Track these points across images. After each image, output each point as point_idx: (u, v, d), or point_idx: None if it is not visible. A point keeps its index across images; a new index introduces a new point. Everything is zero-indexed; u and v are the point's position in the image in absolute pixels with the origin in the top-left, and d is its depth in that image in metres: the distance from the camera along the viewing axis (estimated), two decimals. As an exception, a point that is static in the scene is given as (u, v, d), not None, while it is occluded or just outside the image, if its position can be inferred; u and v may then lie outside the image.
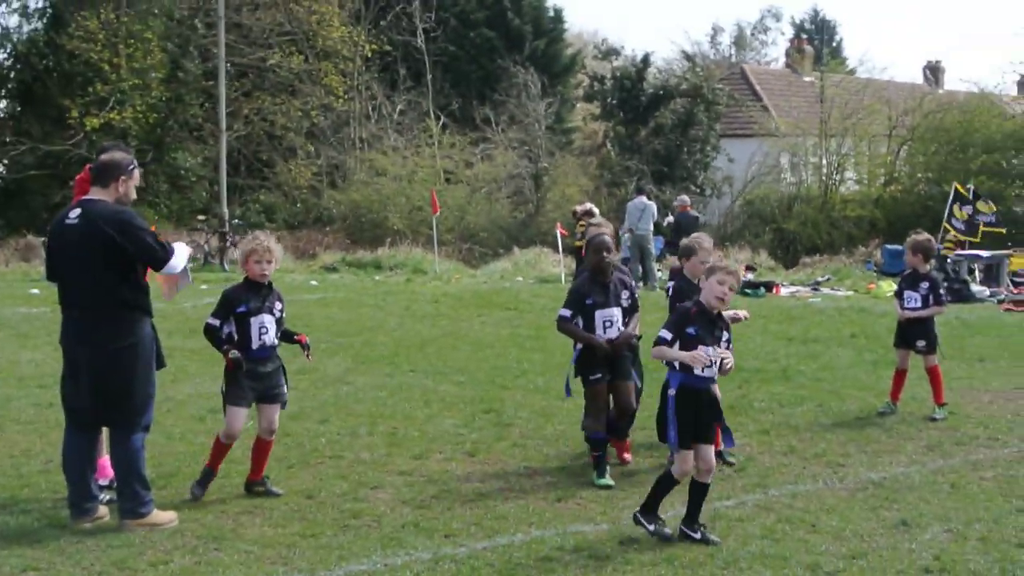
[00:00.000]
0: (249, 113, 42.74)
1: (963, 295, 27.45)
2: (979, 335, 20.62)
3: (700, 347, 8.75)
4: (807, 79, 55.02)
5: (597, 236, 10.74)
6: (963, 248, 31.20)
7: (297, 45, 43.25)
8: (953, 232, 31.24)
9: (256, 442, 10.18)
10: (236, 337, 9.86)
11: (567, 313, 10.79)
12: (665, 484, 8.95)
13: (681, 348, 8.79)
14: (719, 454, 11.03)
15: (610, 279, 10.76)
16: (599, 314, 10.67)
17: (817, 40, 70.16)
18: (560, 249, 33.41)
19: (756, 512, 9.61)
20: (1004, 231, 32.67)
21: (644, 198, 31.23)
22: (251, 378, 9.87)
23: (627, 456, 11.29)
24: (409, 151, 42.97)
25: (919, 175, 44.36)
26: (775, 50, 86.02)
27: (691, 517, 8.94)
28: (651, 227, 30.52)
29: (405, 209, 40.28)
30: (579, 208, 30.80)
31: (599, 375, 10.68)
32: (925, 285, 13.74)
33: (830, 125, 44.75)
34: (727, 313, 9.27)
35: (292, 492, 10.10)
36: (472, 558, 8.43)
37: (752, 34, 79.16)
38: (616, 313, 10.71)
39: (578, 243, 30.69)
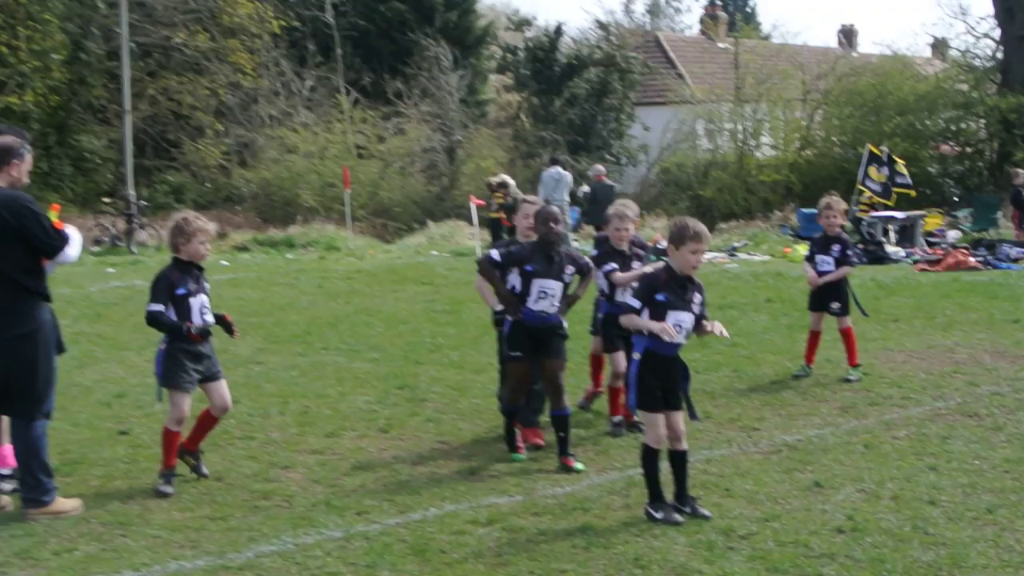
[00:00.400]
0: (155, 93, 42.23)
1: (878, 256, 27.80)
2: (894, 295, 20.89)
3: (671, 312, 8.78)
4: (721, 46, 55.34)
5: (544, 208, 10.58)
6: (877, 210, 31.56)
7: (203, 23, 42.75)
8: (868, 193, 31.61)
9: (207, 417, 10.13)
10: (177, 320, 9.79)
11: (496, 257, 10.32)
12: (648, 459, 8.85)
13: (651, 315, 8.79)
14: (634, 424, 11.15)
15: (557, 251, 10.37)
16: (536, 283, 10.20)
17: (731, 6, 70.55)
18: (475, 222, 33.37)
19: (670, 479, 9.63)
20: (914, 193, 33.13)
21: (559, 168, 31.29)
22: (194, 360, 9.80)
23: (540, 441, 11.00)
24: (320, 127, 42.68)
25: (834, 139, 44.82)
26: (690, 17, 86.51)
27: (680, 492, 8.89)
28: (566, 197, 30.61)
29: (317, 186, 40.03)
30: (494, 180, 30.82)
31: (519, 354, 10.35)
32: (837, 247, 13.88)
33: (745, 91, 45.11)
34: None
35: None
36: (384, 535, 8.42)
37: (666, 2, 79.33)
38: (555, 287, 10.25)
39: (493, 214, 30.76)
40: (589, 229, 32.57)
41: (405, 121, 43.55)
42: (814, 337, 14.09)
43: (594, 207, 30.39)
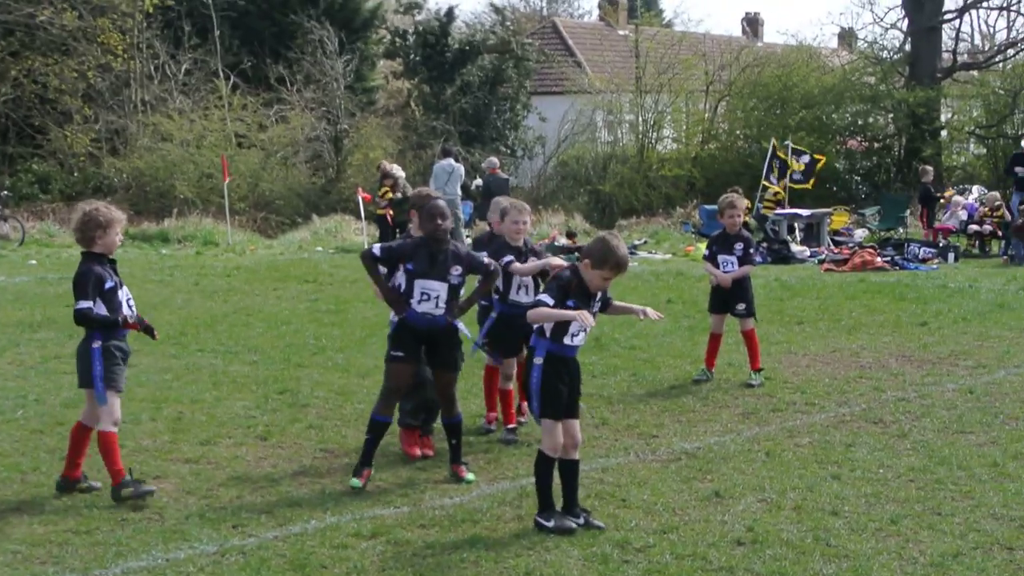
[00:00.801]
0: (18, 75, 41.41)
1: (783, 255, 28.19)
2: (798, 297, 21.20)
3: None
4: (621, 33, 55.66)
5: (431, 201, 10.41)
6: (783, 207, 31.99)
7: (69, 0, 42.11)
8: (774, 189, 32.04)
9: (83, 432, 10.00)
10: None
11: (376, 252, 10.15)
12: (543, 468, 8.89)
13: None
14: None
15: (442, 250, 10.14)
16: (418, 283, 10.01)
17: (632, -8, 71.03)
18: (362, 216, 33.29)
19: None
20: (810, 186, 33.69)
21: (451, 160, 31.32)
22: (124, 359, 9.93)
23: (419, 452, 10.95)
24: (197, 114, 42.16)
25: (738, 132, 45.25)
26: (588, 2, 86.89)
27: (570, 503, 8.95)
28: (459, 191, 30.62)
29: (194, 177, 39.57)
30: (386, 166, 30.84)
31: (400, 354, 10.14)
32: (739, 246, 14.04)
33: (645, 81, 45.31)
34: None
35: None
36: (261, 549, 8.38)
37: (564, -15, 79.77)
38: (439, 288, 10.02)
39: (380, 211, 30.75)
40: (482, 225, 32.59)
41: (288, 108, 43.22)
42: (714, 340, 14.26)
43: (487, 201, 30.37)
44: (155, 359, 15.66)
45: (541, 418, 8.91)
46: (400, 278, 10.16)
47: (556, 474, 8.94)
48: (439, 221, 10.09)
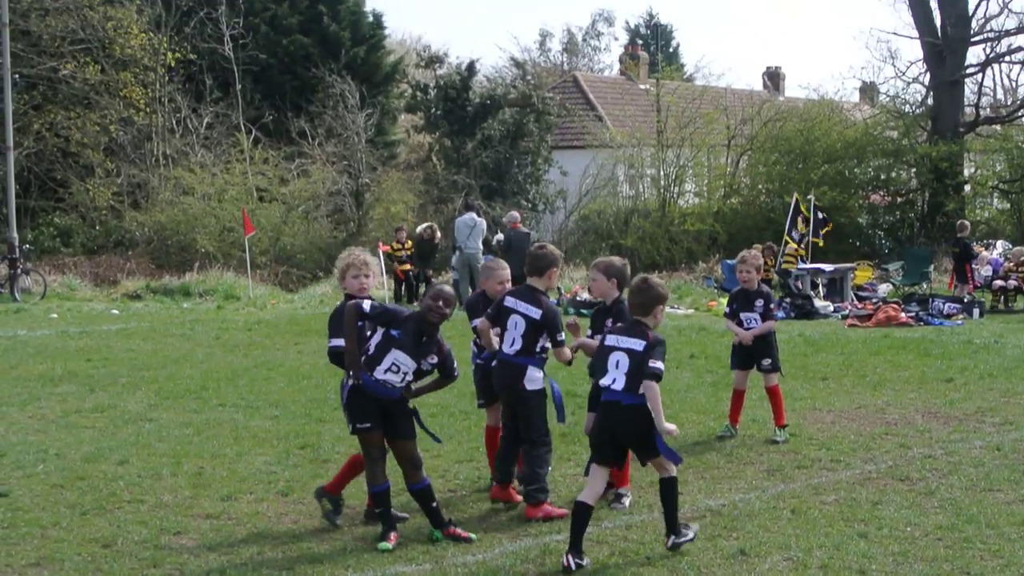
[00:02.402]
0: (40, 128, 41.75)
1: (806, 311, 28.11)
2: (822, 352, 21.12)
3: None
4: (642, 87, 55.81)
5: (443, 287, 10.28)
6: (805, 262, 31.94)
7: (92, 54, 42.37)
8: (793, 245, 32.01)
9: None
10: None
11: (367, 308, 10.02)
12: (672, 490, 9.70)
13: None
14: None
15: (432, 333, 10.11)
16: (393, 353, 9.90)
17: (652, 46, 71.34)
18: (383, 270, 33.32)
19: (588, 546, 9.66)
20: (821, 242, 33.70)
21: (474, 215, 31.39)
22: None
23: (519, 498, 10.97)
24: (218, 167, 42.42)
25: (760, 186, 45.30)
26: (608, 56, 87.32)
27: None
28: (480, 245, 30.66)
29: (215, 230, 39.77)
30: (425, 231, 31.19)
31: (368, 424, 9.97)
32: (760, 302, 14.01)
33: (667, 135, 45.43)
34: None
35: (86, 541, 9.89)
36: (283, 606, 8.34)
37: (584, 39, 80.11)
38: (409, 366, 9.98)
39: (400, 267, 31.00)
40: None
41: (309, 162, 43.46)
42: (738, 396, 14.21)
43: (509, 256, 30.43)
44: (176, 414, 15.67)
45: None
46: (375, 341, 10.00)
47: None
48: (441, 305, 10.03)
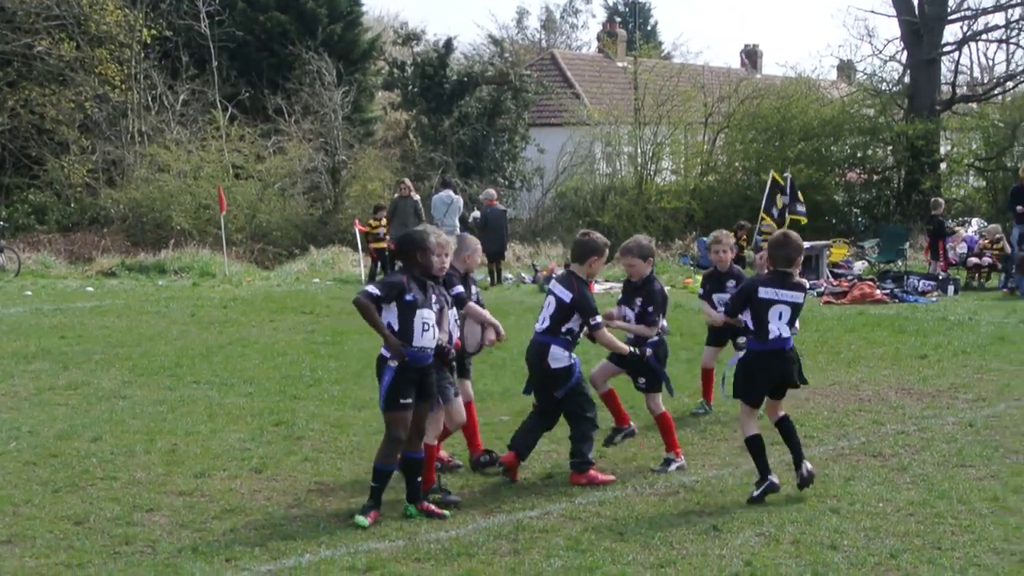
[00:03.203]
0: (15, 105, 41.46)
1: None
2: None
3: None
4: (620, 64, 55.73)
5: (427, 236, 10.33)
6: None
7: (67, 30, 42.08)
8: (770, 221, 31.99)
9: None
10: None
11: (375, 291, 9.90)
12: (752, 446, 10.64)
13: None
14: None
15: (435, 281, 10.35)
16: (420, 314, 9.93)
17: (630, 23, 71.20)
18: (360, 248, 33.28)
19: (562, 522, 9.70)
20: (805, 220, 33.62)
21: (450, 192, 31.33)
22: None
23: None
24: (194, 145, 42.16)
25: (737, 164, 45.29)
26: (586, 34, 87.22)
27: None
28: (456, 222, 30.60)
29: (191, 208, 39.56)
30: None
31: (410, 400, 9.94)
32: (731, 283, 14.03)
33: (644, 113, 45.36)
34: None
35: (58, 518, 9.88)
36: (255, 582, 8.34)
37: (562, 17, 79.96)
38: (432, 317, 10.05)
39: (375, 244, 30.91)
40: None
41: (286, 139, 43.26)
42: (706, 374, 14.24)
43: (485, 233, 30.42)
44: (150, 391, 15.64)
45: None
46: (394, 316, 9.93)
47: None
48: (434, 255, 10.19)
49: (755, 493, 10.25)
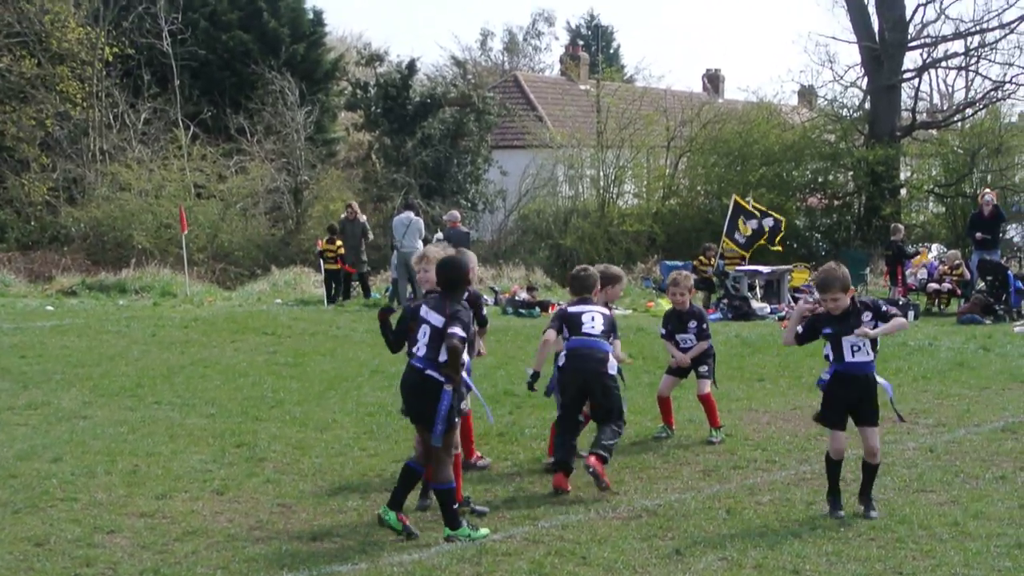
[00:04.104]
0: (-26, 122, 41.39)
1: (743, 312, 28.27)
2: (759, 354, 21.25)
3: None
4: (583, 87, 55.90)
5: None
6: (744, 264, 32.10)
7: (29, 47, 41.99)
8: (733, 247, 32.14)
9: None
10: None
11: (463, 334, 10.12)
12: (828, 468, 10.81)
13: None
14: None
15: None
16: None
17: (593, 47, 71.42)
18: (322, 268, 33.23)
19: (524, 546, 9.70)
20: (780, 247, 33.74)
21: (411, 213, 31.30)
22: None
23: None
24: (155, 163, 42.09)
25: (699, 188, 45.48)
26: (549, 56, 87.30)
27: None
28: (417, 244, 30.47)
29: (152, 227, 39.47)
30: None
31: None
32: (693, 324, 14.18)
33: (607, 136, 45.53)
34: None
35: (18, 540, 9.80)
36: (217, 605, 8.31)
37: (525, 39, 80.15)
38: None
39: (333, 266, 30.99)
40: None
41: (248, 159, 43.24)
42: (664, 402, 14.27)
43: (448, 255, 30.39)
44: (111, 411, 15.55)
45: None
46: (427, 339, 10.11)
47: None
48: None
49: None
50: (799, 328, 10.77)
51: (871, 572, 9.02)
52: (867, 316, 10.46)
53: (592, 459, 11.42)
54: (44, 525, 10.20)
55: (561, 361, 12.10)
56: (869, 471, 10.70)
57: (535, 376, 12.06)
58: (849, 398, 10.61)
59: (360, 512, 10.70)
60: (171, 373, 18.85)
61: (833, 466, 10.67)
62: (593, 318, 12.05)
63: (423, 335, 10.10)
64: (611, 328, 12.21)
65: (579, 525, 10.32)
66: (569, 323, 12.07)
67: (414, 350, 10.15)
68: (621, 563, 9.24)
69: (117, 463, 12.50)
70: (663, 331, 14.54)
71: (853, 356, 10.50)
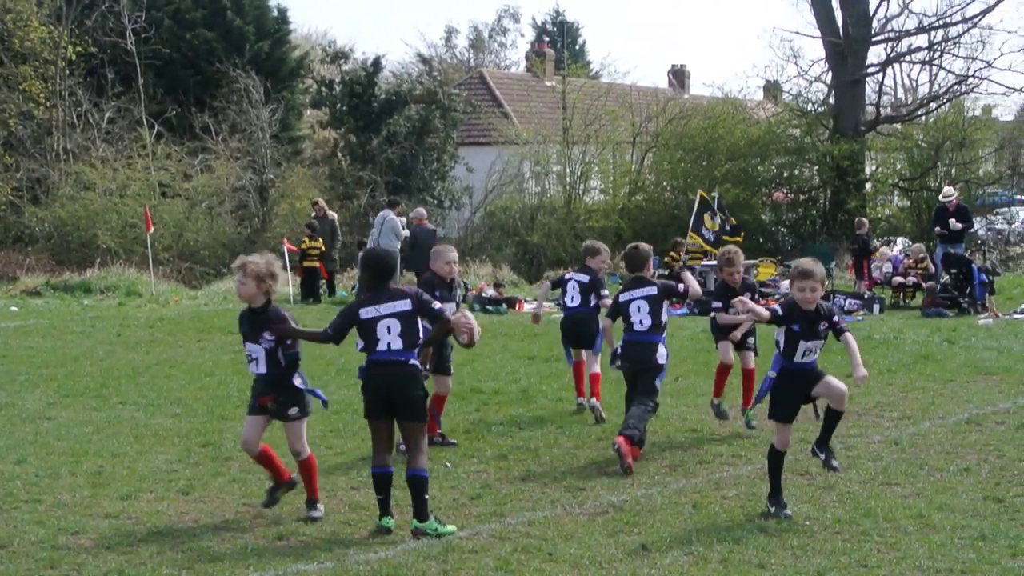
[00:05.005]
0: (-63, 122, 41.12)
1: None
2: (725, 349, 21.25)
3: None
4: (548, 84, 55.90)
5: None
6: (708, 259, 32.12)
7: (-9, 47, 41.80)
8: (700, 242, 32.14)
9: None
10: None
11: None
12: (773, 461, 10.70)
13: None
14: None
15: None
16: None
17: (559, 43, 71.36)
18: (288, 267, 33.12)
19: (491, 543, 9.70)
20: (741, 239, 33.79)
21: (389, 211, 31.20)
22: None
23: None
24: (120, 163, 41.86)
25: (664, 183, 45.54)
26: (515, 53, 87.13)
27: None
28: (393, 243, 30.27)
29: (117, 226, 39.27)
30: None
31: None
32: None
33: (572, 132, 45.57)
34: None
35: (-19, 542, 9.76)
36: (183, 606, 8.28)
37: (490, 36, 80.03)
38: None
39: (309, 263, 30.94)
40: (409, 275, 32.52)
41: (213, 158, 43.07)
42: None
43: (414, 252, 30.38)
44: (75, 412, 15.49)
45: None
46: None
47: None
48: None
49: None
50: (778, 309, 10.58)
51: (836, 565, 9.06)
52: (822, 326, 10.49)
53: (620, 439, 12.08)
54: (8, 527, 10.16)
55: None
56: (833, 417, 10.75)
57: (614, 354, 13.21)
58: (800, 393, 10.60)
59: (327, 511, 10.69)
60: (136, 373, 18.78)
61: (776, 458, 10.58)
62: (639, 308, 13.03)
63: (389, 331, 10.10)
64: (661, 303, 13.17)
65: (545, 521, 10.34)
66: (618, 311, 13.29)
67: (379, 348, 10.13)
68: (587, 559, 9.26)
69: (82, 464, 12.46)
70: (718, 304, 14.61)
71: (803, 359, 10.51)
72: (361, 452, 12.81)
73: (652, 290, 13.07)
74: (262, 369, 10.37)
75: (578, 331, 15.27)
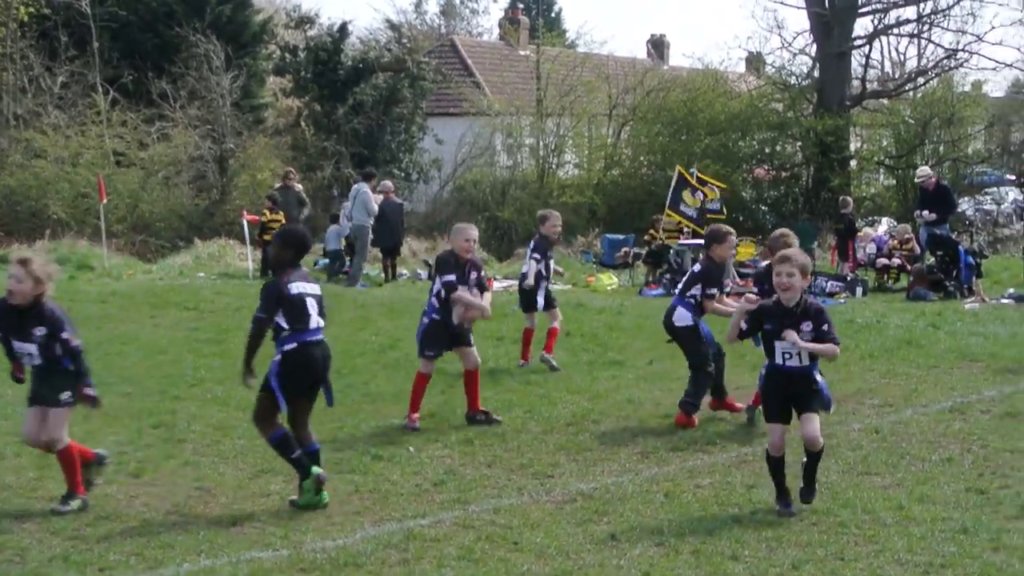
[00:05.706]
0: None
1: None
2: (701, 331, 21.26)
3: None
4: (522, 53, 55.74)
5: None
6: (685, 237, 32.14)
7: (-63, 7, 41.50)
8: (680, 219, 32.13)
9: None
10: None
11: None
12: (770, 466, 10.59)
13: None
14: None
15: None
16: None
17: (533, 10, 71.26)
18: (247, 240, 33.03)
19: (454, 531, 9.71)
20: (724, 216, 33.80)
21: (362, 184, 31.06)
22: None
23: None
24: (73, 130, 41.59)
25: (642, 158, 45.54)
26: (488, 20, 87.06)
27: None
28: (365, 218, 30.14)
29: (68, 196, 39.05)
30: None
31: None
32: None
33: (546, 103, 45.51)
34: None
35: (-80, 526, 9.71)
36: (130, 594, 8.26)
37: (462, 2, 79.86)
38: None
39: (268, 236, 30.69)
40: (375, 251, 32.47)
41: (171, 126, 42.81)
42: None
43: (381, 225, 30.32)
44: (21, 390, 15.34)
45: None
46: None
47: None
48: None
49: None
50: (743, 324, 10.66)
51: (812, 558, 9.08)
52: (807, 326, 10.32)
53: (678, 418, 13.63)
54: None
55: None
56: (811, 458, 10.45)
57: None
58: (785, 392, 10.49)
59: (283, 496, 10.68)
60: (87, 350, 18.63)
61: (773, 463, 10.42)
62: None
63: (313, 309, 10.62)
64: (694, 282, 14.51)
65: (511, 509, 10.34)
66: None
67: (312, 325, 10.57)
68: (554, 548, 9.27)
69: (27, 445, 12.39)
70: (763, 287, 14.53)
71: (784, 363, 10.42)
72: (318, 433, 12.75)
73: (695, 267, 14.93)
74: (38, 361, 10.61)
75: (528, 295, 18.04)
